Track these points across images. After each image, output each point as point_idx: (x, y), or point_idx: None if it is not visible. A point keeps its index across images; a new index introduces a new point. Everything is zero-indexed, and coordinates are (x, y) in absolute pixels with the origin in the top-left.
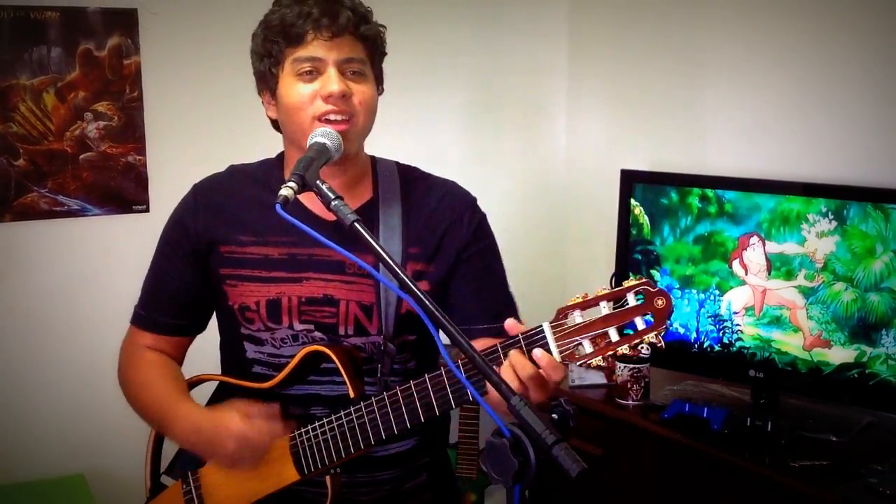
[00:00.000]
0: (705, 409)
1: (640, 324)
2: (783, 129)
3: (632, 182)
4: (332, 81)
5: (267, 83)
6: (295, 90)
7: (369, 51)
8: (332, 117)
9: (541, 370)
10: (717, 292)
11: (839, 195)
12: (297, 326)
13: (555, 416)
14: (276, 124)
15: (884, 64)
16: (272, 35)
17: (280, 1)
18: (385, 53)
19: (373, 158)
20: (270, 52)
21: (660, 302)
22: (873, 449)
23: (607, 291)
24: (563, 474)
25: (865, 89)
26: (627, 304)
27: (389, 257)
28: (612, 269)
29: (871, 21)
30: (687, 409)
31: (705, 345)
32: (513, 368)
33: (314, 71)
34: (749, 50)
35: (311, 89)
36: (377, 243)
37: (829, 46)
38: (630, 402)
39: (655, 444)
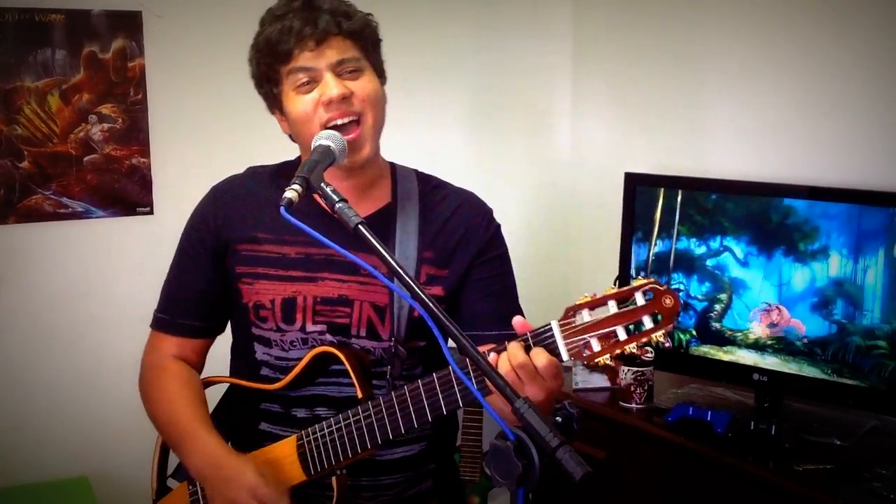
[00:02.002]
0: (709, 412)
1: (647, 322)
2: (788, 132)
3: (635, 185)
4: (329, 87)
5: (274, 103)
6: (298, 104)
7: (361, 45)
8: (338, 122)
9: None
10: None
11: (844, 199)
12: (310, 328)
13: (559, 418)
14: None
15: (889, 66)
16: (263, 58)
17: (263, 21)
18: (379, 40)
19: (392, 165)
20: (267, 74)
21: (668, 301)
22: (877, 453)
23: (616, 290)
24: (566, 477)
25: (871, 92)
26: (636, 303)
27: (394, 260)
28: (615, 271)
29: (876, 24)
30: (691, 412)
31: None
32: (507, 357)
33: (311, 80)
34: (754, 53)
35: (312, 99)
36: (382, 247)
37: (833, 49)
38: (634, 405)
39: (659, 448)
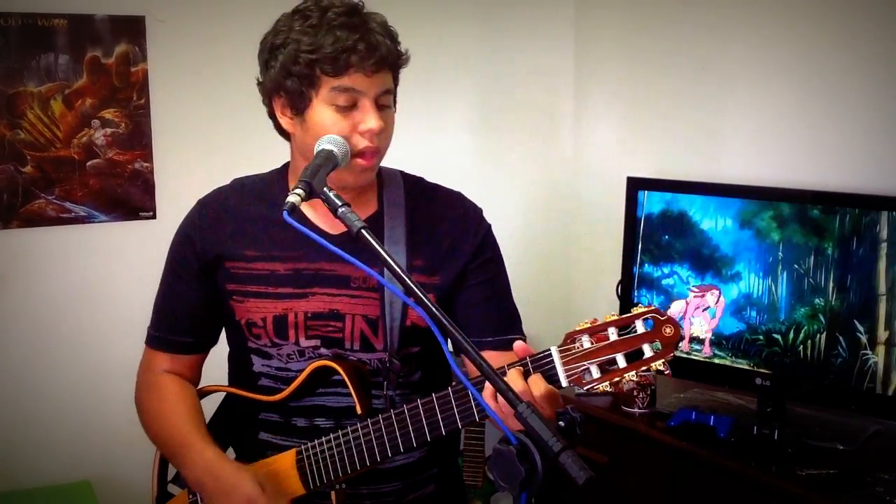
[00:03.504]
0: (712, 417)
1: (647, 351)
2: (792, 136)
3: (638, 189)
4: (371, 119)
5: (293, 101)
6: (332, 121)
7: (395, 77)
8: (367, 155)
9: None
10: None
11: (849, 204)
12: (304, 343)
13: (561, 423)
14: (281, 130)
15: (894, 71)
16: (311, 62)
17: (310, 18)
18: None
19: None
20: (304, 74)
21: (668, 330)
22: (880, 458)
23: (616, 318)
24: (569, 482)
25: (876, 97)
26: (636, 330)
27: (397, 264)
28: (617, 276)
29: (884, 29)
30: (693, 417)
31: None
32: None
33: (351, 103)
34: (758, 57)
35: (349, 123)
36: (384, 251)
37: (839, 54)
38: (636, 409)
39: (662, 452)
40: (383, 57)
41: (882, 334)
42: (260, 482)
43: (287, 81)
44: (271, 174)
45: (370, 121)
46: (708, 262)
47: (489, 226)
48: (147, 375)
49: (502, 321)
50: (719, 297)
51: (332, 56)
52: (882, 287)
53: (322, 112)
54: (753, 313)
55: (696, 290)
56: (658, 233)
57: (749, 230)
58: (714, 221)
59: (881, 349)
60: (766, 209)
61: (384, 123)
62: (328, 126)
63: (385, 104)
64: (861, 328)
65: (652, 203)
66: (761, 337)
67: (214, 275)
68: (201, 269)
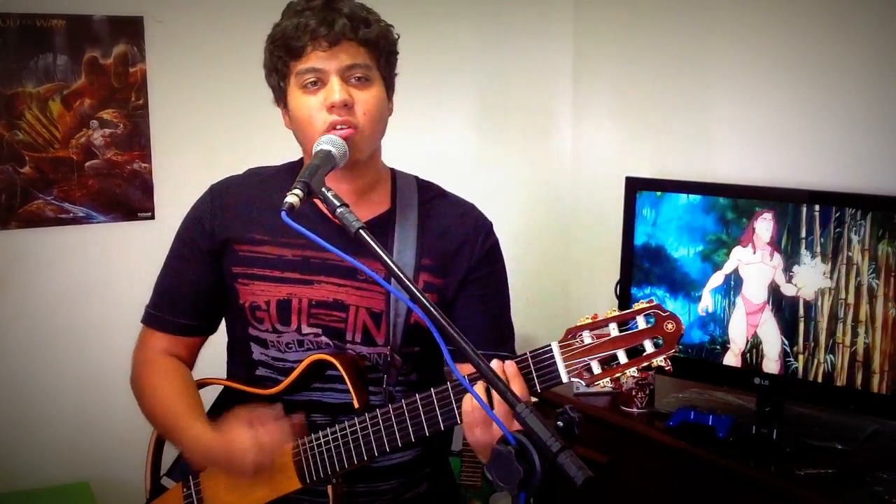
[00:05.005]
0: (710, 416)
1: (649, 347)
2: (790, 136)
3: (637, 189)
4: (333, 91)
5: (280, 96)
6: (302, 103)
7: (374, 54)
8: (337, 127)
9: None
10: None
11: (845, 203)
12: (305, 330)
13: (560, 423)
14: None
15: (892, 71)
16: (276, 50)
17: (285, 13)
18: (395, 53)
19: (392, 170)
20: (277, 66)
21: (669, 326)
22: (879, 457)
23: (617, 313)
24: (568, 482)
25: (873, 97)
26: (637, 326)
27: (395, 265)
28: (616, 276)
29: (880, 28)
30: (692, 416)
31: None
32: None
33: (318, 81)
34: (756, 57)
35: (317, 101)
36: (383, 251)
37: (836, 54)
38: (635, 409)
39: (660, 452)
40: (339, 33)
41: (801, 345)
42: (249, 418)
43: (269, 79)
44: (286, 165)
45: (332, 94)
46: (679, 285)
47: (496, 240)
48: (142, 354)
49: (495, 336)
50: (773, 220)
51: (290, 38)
52: (800, 311)
53: (295, 97)
54: (708, 327)
55: (755, 239)
56: (641, 261)
57: (709, 263)
58: (687, 250)
59: (801, 357)
60: (723, 246)
61: (352, 98)
62: (301, 109)
63: (359, 77)
64: (787, 342)
65: (637, 237)
66: (718, 347)
67: (222, 258)
68: (209, 252)
